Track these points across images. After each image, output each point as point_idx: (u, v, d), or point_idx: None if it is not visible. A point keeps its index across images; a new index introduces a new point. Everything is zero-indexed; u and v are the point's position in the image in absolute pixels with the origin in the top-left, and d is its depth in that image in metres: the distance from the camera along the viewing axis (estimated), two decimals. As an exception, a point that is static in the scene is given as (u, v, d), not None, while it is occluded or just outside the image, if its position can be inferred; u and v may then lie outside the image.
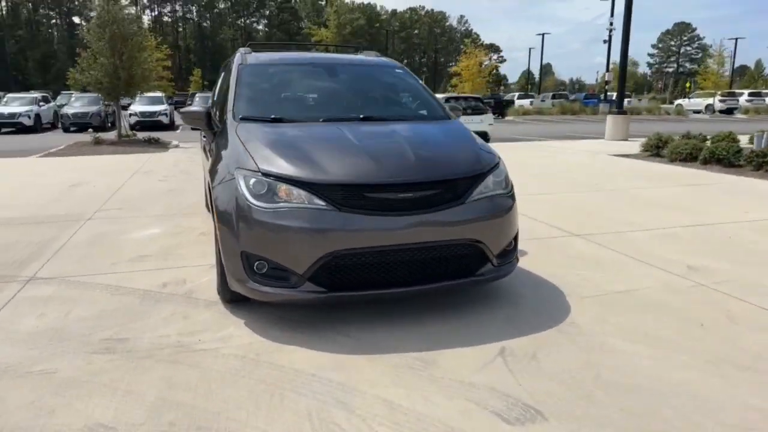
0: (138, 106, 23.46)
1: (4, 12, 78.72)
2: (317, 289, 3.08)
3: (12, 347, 3.04)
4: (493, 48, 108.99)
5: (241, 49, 4.87)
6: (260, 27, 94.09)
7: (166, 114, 23.94)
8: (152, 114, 23.54)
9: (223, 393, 2.59)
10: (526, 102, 39.05)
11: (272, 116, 3.90)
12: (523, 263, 4.44)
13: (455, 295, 3.73)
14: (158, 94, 25.39)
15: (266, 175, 3.16)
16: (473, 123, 16.09)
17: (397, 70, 4.86)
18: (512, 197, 3.60)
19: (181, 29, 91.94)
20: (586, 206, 6.67)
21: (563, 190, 7.92)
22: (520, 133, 21.57)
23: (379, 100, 4.57)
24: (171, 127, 24.00)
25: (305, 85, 4.56)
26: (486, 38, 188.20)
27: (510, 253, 3.60)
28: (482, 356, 2.95)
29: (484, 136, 16.67)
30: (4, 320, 3.41)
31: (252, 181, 3.16)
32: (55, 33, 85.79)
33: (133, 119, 22.55)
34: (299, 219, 3.03)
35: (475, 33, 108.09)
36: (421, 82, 4.76)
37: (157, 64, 19.05)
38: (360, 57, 5.13)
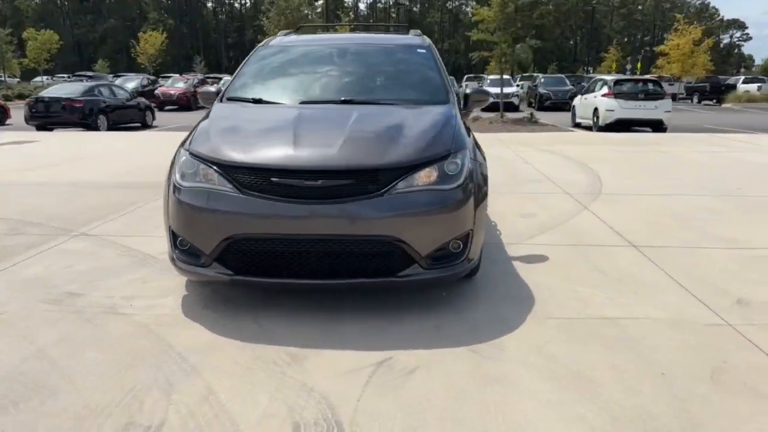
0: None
1: (248, 3, 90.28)
2: (225, 271, 3.10)
3: (-3, 288, 3.61)
4: (736, 24, 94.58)
5: (280, 32, 5.01)
6: (468, 9, 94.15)
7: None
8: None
9: (86, 355, 2.77)
10: (753, 87, 33.16)
11: (253, 97, 3.97)
12: (524, 269, 3.94)
13: (409, 295, 3.45)
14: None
15: (193, 155, 3.24)
16: (642, 110, 14.20)
17: (419, 50, 4.56)
18: (462, 192, 3.16)
19: (394, 14, 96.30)
20: (692, 214, 5.56)
21: (684, 191, 6.70)
22: (717, 123, 18.56)
23: (375, 82, 4.35)
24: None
25: (309, 67, 4.52)
26: (729, 13, 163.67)
27: (454, 255, 3.19)
28: (357, 363, 2.70)
29: (659, 125, 14.67)
30: (21, 266, 4.04)
31: (183, 159, 3.28)
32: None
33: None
34: (205, 200, 3.07)
35: (713, 7, 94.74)
36: (439, 63, 4.40)
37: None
38: (386, 36, 4.94)
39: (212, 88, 4.54)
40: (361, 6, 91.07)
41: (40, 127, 15.22)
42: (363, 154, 3.12)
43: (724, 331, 3.04)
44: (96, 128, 15.46)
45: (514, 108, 23.33)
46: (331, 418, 2.27)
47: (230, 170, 3.09)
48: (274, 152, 3.13)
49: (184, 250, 3.21)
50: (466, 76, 32.83)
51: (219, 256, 3.09)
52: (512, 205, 5.94)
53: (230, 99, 4.03)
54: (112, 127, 16.04)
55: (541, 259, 4.22)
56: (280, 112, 3.73)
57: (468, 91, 4.35)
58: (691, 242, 4.64)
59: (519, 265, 4.07)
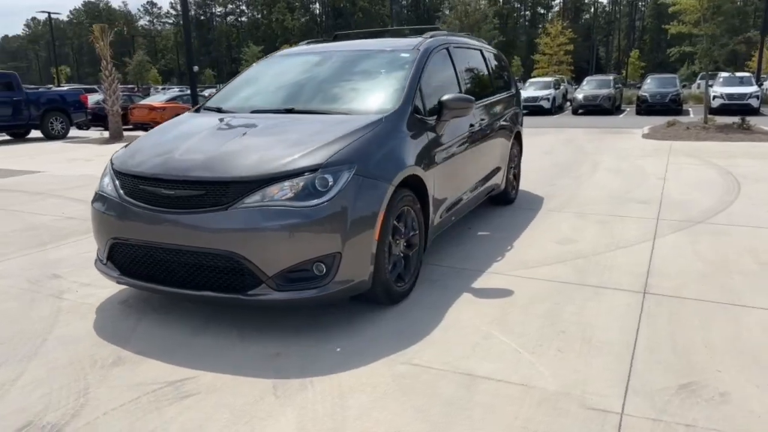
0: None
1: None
2: (114, 271, 3.32)
3: None
4: None
5: (302, 42, 5.10)
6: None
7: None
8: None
9: (-17, 329, 3.23)
10: None
11: (218, 107, 4.13)
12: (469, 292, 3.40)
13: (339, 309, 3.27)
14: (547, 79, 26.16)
15: (111, 162, 3.54)
16: None
17: (402, 55, 4.22)
18: (326, 210, 2.88)
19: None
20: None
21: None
22: None
23: (327, 91, 4.11)
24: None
25: (282, 76, 4.51)
26: None
27: (316, 278, 2.93)
28: (155, 378, 2.67)
29: None
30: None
31: (108, 166, 3.59)
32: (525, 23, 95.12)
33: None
34: (100, 205, 3.34)
35: None
36: (416, 69, 3.99)
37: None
38: (382, 41, 4.67)
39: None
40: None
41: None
42: (222, 167, 3.04)
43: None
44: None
45: (753, 111, 19.60)
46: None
47: (119, 177, 3.31)
48: (151, 161, 3.25)
49: (98, 251, 3.52)
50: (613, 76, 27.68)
51: (109, 256, 3.31)
52: (562, 227, 5.10)
53: (205, 108, 4.24)
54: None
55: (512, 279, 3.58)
56: (209, 121, 3.81)
57: (445, 97, 3.89)
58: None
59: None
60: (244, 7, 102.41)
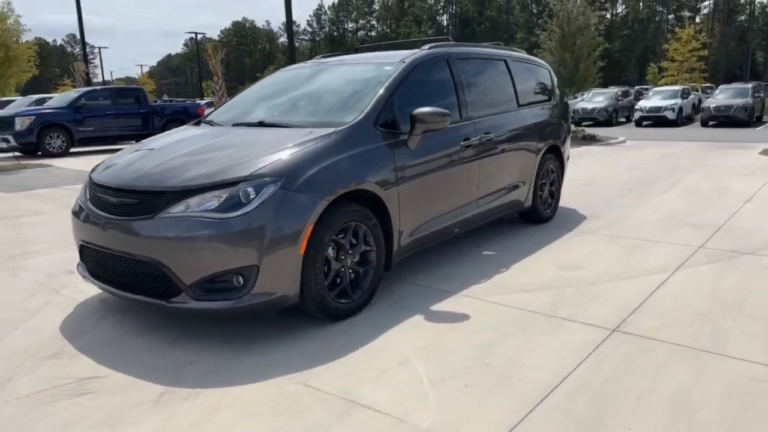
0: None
1: (616, 15, 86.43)
2: (85, 272, 3.60)
3: None
4: None
5: (318, 56, 5.20)
6: None
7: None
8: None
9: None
10: None
11: (210, 120, 4.33)
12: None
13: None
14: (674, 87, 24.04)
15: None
16: None
17: (386, 68, 4.14)
18: (244, 222, 2.92)
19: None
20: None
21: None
22: None
23: (304, 106, 4.15)
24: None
25: (275, 89, 4.61)
26: None
27: (234, 289, 2.97)
28: (136, 392, 2.81)
29: None
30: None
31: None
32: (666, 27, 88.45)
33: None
34: (74, 209, 3.63)
35: None
36: (393, 81, 3.90)
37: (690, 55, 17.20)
38: (374, 55, 4.60)
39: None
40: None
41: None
42: (159, 177, 3.19)
43: None
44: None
45: None
46: None
47: (89, 185, 3.58)
48: (111, 170, 3.50)
49: (80, 251, 3.84)
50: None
51: (81, 257, 3.61)
52: (580, 251, 4.67)
53: (204, 121, 4.46)
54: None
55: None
56: (188, 134, 4.00)
57: (417, 110, 3.76)
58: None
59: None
60: (374, 22, 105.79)
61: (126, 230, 3.11)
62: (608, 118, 23.40)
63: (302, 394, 2.59)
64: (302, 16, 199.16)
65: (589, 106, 23.69)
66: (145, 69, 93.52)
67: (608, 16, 76.64)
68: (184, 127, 4.45)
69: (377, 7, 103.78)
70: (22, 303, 3.88)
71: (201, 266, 2.95)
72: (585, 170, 9.52)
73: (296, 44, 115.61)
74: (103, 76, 71.39)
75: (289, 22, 16.91)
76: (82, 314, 3.65)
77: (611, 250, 4.74)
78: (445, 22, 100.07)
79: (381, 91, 3.83)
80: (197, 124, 4.47)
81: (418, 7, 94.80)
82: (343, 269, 3.39)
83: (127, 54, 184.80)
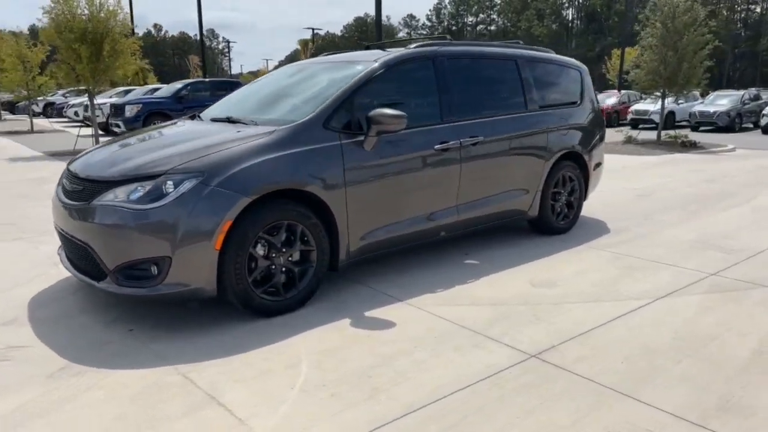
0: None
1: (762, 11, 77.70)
2: (62, 254, 3.93)
3: None
4: None
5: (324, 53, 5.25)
6: None
7: None
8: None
9: None
10: None
11: (200, 115, 4.55)
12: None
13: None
14: None
15: None
16: None
17: (357, 67, 4.08)
18: (160, 214, 3.05)
19: None
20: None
21: None
22: None
23: (272, 103, 4.20)
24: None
25: (263, 87, 4.68)
26: None
27: (149, 277, 3.12)
28: (44, 364, 3.08)
29: None
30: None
31: None
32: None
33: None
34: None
35: None
36: (356, 82, 3.84)
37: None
38: (353, 54, 4.50)
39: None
40: None
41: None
42: (105, 167, 3.42)
43: None
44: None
45: None
46: None
47: (64, 172, 3.90)
48: (81, 159, 3.77)
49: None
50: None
51: (61, 242, 3.94)
52: (570, 267, 4.34)
53: (197, 116, 4.68)
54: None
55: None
56: (170, 128, 4.24)
57: (371, 112, 3.69)
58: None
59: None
60: (495, 16, 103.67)
61: (72, 215, 3.37)
62: (730, 123, 21.07)
63: (174, 384, 2.68)
64: (422, 10, 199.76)
65: (710, 109, 21.52)
66: (272, 64, 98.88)
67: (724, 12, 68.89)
68: (174, 121, 4.69)
69: (498, 1, 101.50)
70: (24, 273, 4.30)
71: (120, 253, 3.12)
72: (652, 180, 8.76)
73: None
74: (230, 69, 76.44)
75: (378, 19, 17.09)
76: (58, 288, 4.00)
77: (604, 270, 4.35)
78: (570, 17, 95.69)
79: (337, 92, 3.80)
80: (192, 118, 4.70)
81: (541, 0, 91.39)
82: (274, 267, 3.42)
83: (262, 50, 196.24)
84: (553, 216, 5.28)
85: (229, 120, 4.03)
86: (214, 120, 4.23)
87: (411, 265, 4.42)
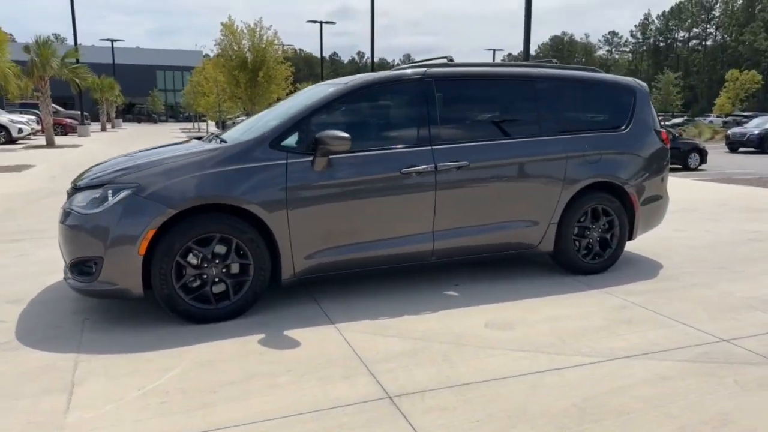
0: None
1: None
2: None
3: None
4: None
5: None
6: None
7: None
8: None
9: (30, 265, 5.00)
10: None
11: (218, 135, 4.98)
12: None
13: None
14: None
15: None
16: None
17: (330, 89, 4.12)
18: (95, 220, 3.47)
19: None
20: None
21: None
22: None
23: (262, 124, 4.27)
24: None
25: (276, 107, 4.92)
26: None
27: (87, 273, 3.54)
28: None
29: None
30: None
31: None
32: None
33: None
34: None
35: None
36: (311, 104, 3.91)
37: None
38: (340, 80, 4.44)
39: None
40: None
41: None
42: (84, 176, 3.93)
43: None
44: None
45: None
46: None
47: None
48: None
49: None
50: None
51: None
52: (552, 312, 3.86)
53: (217, 137, 5.12)
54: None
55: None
56: (168, 145, 4.67)
57: (319, 133, 3.73)
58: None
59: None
60: (712, 30, 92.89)
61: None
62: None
63: (57, 368, 3.01)
64: (626, 27, 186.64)
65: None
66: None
67: None
68: (187, 139, 5.19)
69: (717, 14, 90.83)
70: (23, 268, 4.99)
71: (72, 250, 3.59)
72: (791, 222, 7.21)
73: (616, 57, 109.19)
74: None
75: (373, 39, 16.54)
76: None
77: (590, 319, 3.77)
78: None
79: (293, 112, 3.91)
80: (211, 139, 5.13)
81: (771, 10, 79.74)
82: (206, 276, 3.63)
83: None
84: (578, 253, 4.70)
85: (222, 140, 4.34)
86: (222, 140, 4.57)
87: (386, 289, 4.32)
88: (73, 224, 3.56)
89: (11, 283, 4.50)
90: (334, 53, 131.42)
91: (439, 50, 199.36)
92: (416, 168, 4.04)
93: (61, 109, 31.33)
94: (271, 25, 14.20)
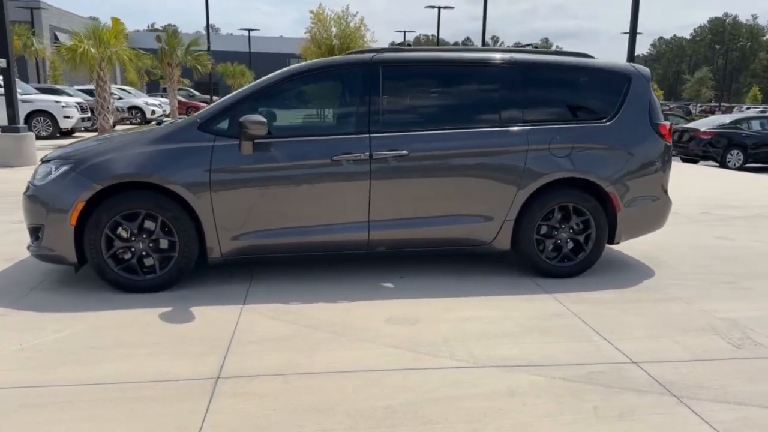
0: None
1: None
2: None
3: None
4: None
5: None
6: None
7: None
8: None
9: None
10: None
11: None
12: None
13: None
14: None
15: None
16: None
17: (275, 73, 4.16)
18: (38, 191, 3.87)
19: None
20: None
21: None
22: None
23: None
24: None
25: None
26: None
27: (37, 240, 3.93)
28: None
29: None
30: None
31: None
32: None
33: None
34: None
35: None
36: (244, 89, 4.00)
37: None
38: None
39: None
40: None
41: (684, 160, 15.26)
42: (49, 155, 4.36)
43: None
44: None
45: None
46: None
47: None
48: None
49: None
50: None
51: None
52: (472, 313, 3.65)
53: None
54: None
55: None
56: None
57: (242, 117, 3.81)
58: None
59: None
60: None
61: None
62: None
63: (-22, 320, 3.43)
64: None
65: None
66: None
67: None
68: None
69: None
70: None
71: (25, 217, 4.02)
72: None
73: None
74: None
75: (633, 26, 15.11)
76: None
77: (503, 323, 3.50)
78: None
79: (227, 96, 4.02)
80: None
81: None
82: (134, 249, 3.89)
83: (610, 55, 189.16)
84: (541, 254, 4.34)
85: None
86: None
87: (329, 276, 4.33)
88: (28, 195, 3.98)
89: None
90: (467, 38, 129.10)
91: (580, 35, 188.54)
92: (349, 156, 3.98)
93: (197, 93, 34.18)
94: (357, 12, 14.49)
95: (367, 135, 4.03)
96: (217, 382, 2.74)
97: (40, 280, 4.16)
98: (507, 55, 4.35)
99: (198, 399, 2.58)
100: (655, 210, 4.55)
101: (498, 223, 4.24)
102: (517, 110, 4.24)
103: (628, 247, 5.14)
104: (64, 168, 3.85)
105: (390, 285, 4.20)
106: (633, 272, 4.60)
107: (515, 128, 4.20)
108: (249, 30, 50.72)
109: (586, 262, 4.43)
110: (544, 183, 4.22)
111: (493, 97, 4.28)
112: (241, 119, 3.78)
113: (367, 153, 3.99)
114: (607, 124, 4.36)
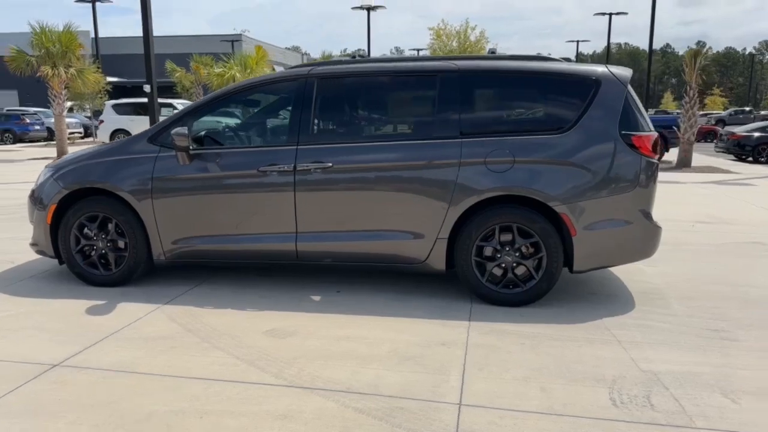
0: None
1: None
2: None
3: None
4: None
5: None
6: None
7: None
8: None
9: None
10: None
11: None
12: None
13: None
14: None
15: None
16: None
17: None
18: (36, 191, 4.56)
19: None
20: None
21: None
22: None
23: None
24: None
25: None
26: None
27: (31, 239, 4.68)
28: None
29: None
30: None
31: None
32: None
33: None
34: None
35: None
36: (189, 105, 4.23)
37: None
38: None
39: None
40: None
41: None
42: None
43: None
44: None
45: None
46: None
47: None
48: None
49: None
50: None
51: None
52: (372, 335, 3.49)
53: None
54: None
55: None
56: None
57: (172, 130, 4.11)
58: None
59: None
60: None
61: None
62: None
63: (-40, 298, 4.17)
64: None
65: None
66: None
67: None
68: None
69: None
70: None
71: (28, 215, 4.77)
72: None
73: None
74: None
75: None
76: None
77: (382, 346, 3.28)
78: None
79: (176, 112, 4.34)
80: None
81: None
82: (96, 248, 4.40)
83: None
84: (480, 278, 3.96)
85: None
86: None
87: (268, 284, 4.44)
88: (29, 195, 4.74)
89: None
90: (666, 45, 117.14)
91: None
92: (274, 167, 4.05)
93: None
94: (476, 25, 14.19)
95: (295, 147, 4.07)
96: (50, 369, 3.01)
97: (41, 271, 4.88)
98: (445, 63, 4.06)
99: (14, 381, 2.87)
100: (629, 235, 3.88)
101: (430, 242, 3.96)
102: (453, 121, 3.93)
103: (640, 274, 4.54)
104: (48, 174, 4.50)
105: (317, 298, 4.16)
106: (605, 306, 3.95)
107: (446, 140, 3.91)
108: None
109: (535, 291, 3.92)
110: (480, 200, 3.85)
111: (426, 108, 4.03)
112: (171, 131, 4.08)
113: (292, 164, 4.03)
114: (559, 135, 3.84)
